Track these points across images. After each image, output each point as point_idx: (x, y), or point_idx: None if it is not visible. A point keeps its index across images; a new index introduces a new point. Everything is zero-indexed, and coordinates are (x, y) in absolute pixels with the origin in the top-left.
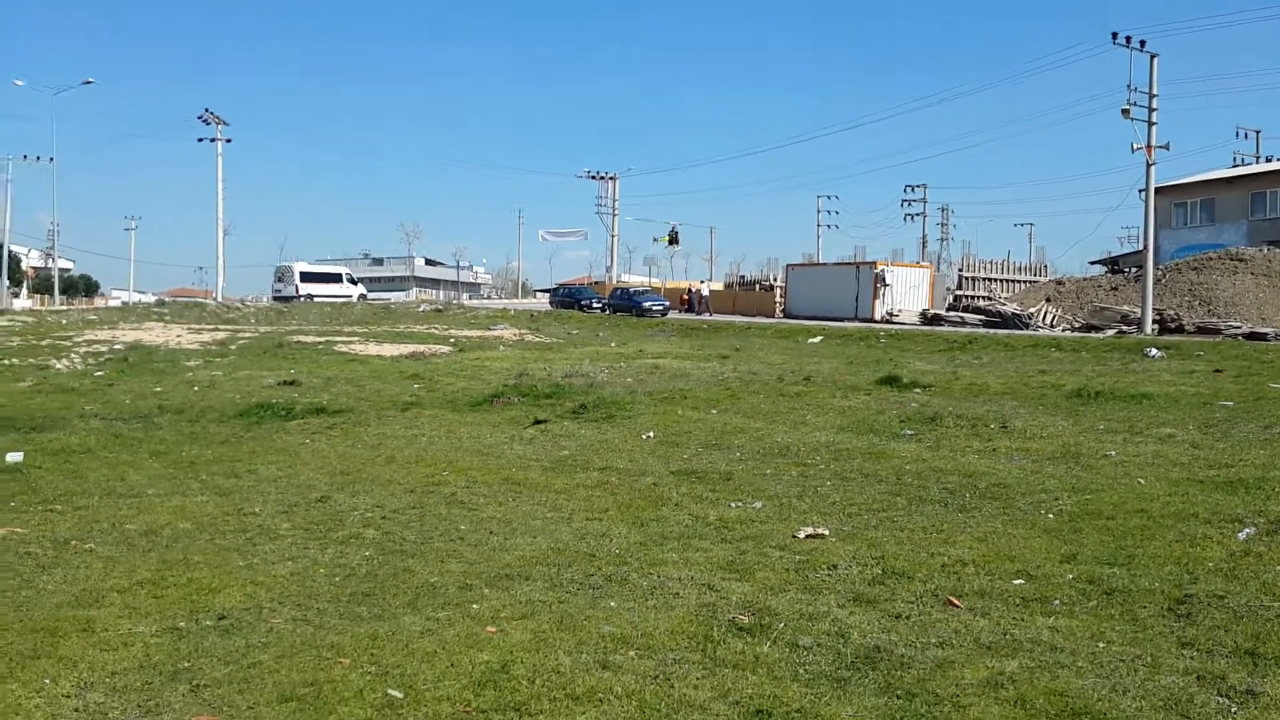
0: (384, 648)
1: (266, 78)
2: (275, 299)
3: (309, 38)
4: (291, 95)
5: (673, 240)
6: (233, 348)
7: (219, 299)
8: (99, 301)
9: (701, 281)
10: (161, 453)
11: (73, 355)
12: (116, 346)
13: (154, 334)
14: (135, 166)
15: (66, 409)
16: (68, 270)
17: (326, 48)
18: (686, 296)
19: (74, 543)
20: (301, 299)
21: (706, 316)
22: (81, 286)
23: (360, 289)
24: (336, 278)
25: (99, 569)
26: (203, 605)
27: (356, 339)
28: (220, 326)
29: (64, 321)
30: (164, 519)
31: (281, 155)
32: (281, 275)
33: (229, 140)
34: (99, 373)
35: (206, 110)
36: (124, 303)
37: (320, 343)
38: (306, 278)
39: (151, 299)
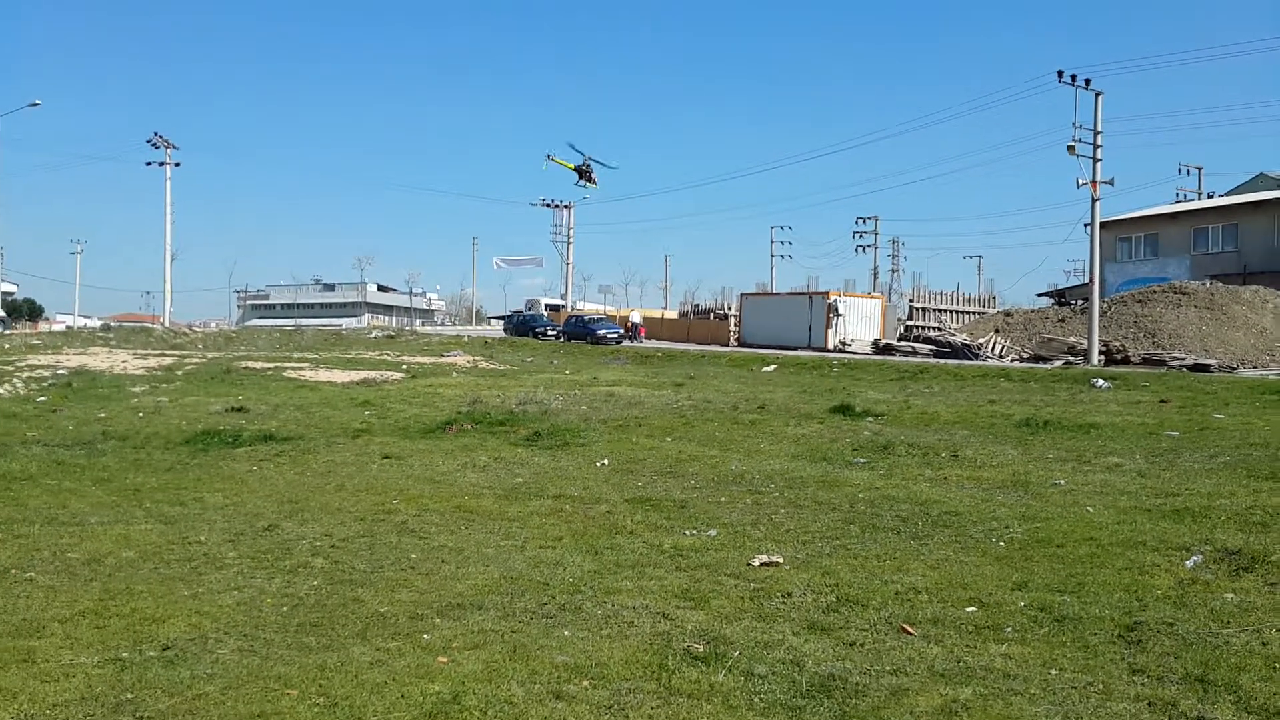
0: (333, 679)
1: (218, 101)
2: None
3: (262, 61)
4: (243, 119)
5: (583, 174)
6: (179, 373)
7: (166, 324)
8: (43, 326)
9: (633, 309)
10: (105, 480)
11: (15, 380)
12: (60, 372)
13: (99, 359)
14: (82, 189)
15: (8, 435)
16: (11, 294)
17: (280, 72)
18: (629, 325)
19: (14, 571)
20: None
21: (638, 343)
22: (25, 310)
23: None
24: None
25: (40, 598)
26: (146, 635)
27: (306, 365)
28: (167, 352)
29: (6, 346)
30: (107, 547)
31: (232, 179)
32: None
33: (178, 164)
34: (42, 398)
35: (155, 134)
36: (69, 327)
37: (269, 369)
38: None
39: (97, 324)
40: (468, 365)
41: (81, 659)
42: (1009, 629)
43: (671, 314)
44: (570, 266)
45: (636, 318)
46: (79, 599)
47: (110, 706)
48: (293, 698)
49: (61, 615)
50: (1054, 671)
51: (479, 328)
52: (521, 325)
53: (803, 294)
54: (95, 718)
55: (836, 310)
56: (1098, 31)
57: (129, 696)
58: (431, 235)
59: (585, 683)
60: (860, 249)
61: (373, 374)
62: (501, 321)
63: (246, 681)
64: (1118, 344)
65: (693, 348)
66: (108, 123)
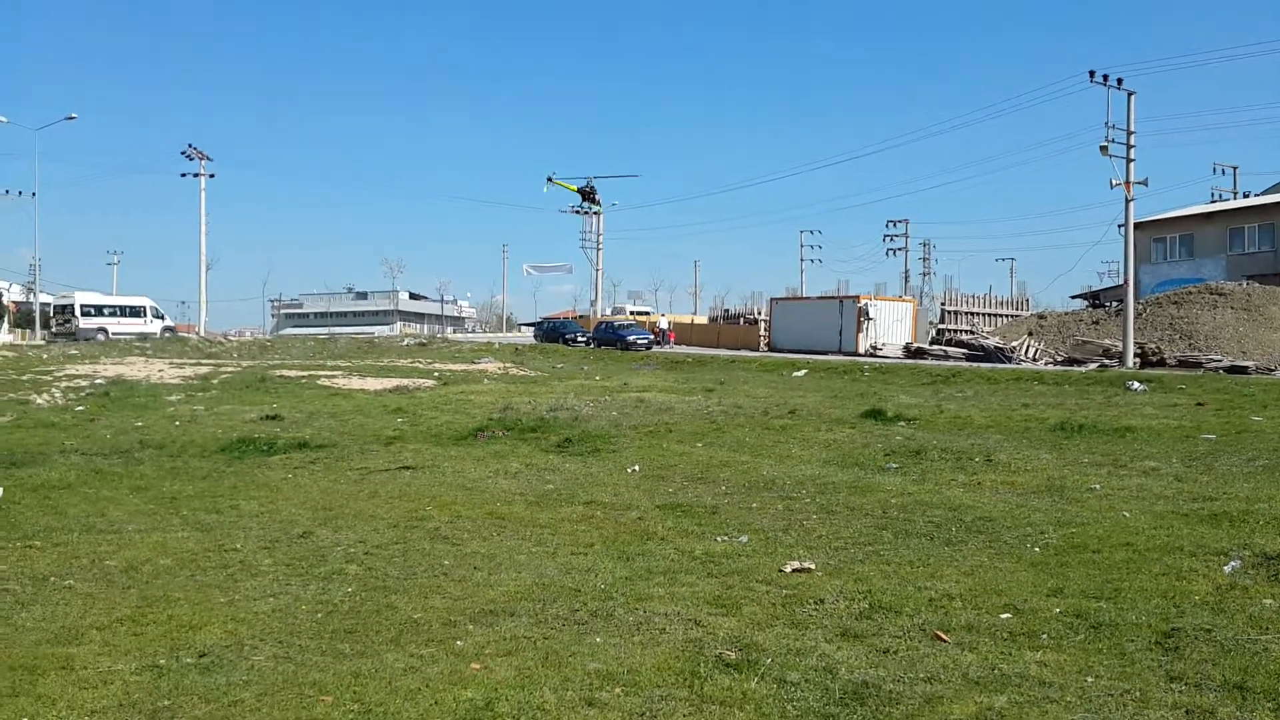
0: (367, 685)
1: (251, 112)
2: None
3: (293, 72)
4: (276, 129)
5: (586, 196)
6: (215, 382)
7: (202, 333)
8: None
9: (661, 314)
10: (142, 488)
11: (53, 390)
12: (98, 381)
13: (136, 369)
14: (118, 201)
15: (46, 444)
16: (49, 304)
17: (311, 82)
18: (656, 329)
19: (53, 579)
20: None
21: (668, 348)
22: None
23: (166, 321)
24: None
25: (78, 606)
26: (183, 642)
27: (340, 373)
28: (203, 361)
29: (45, 356)
30: (144, 555)
31: (265, 189)
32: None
33: (212, 175)
34: (80, 408)
35: (190, 146)
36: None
37: (303, 377)
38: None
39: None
40: (499, 372)
41: (119, 666)
42: (1044, 635)
43: (701, 319)
44: (600, 273)
45: (663, 323)
46: (117, 606)
47: (147, 713)
48: (327, 704)
49: (100, 622)
50: (1090, 679)
51: (509, 334)
52: (551, 332)
53: (833, 298)
54: None
55: (867, 314)
56: (1129, 31)
57: (166, 703)
58: (462, 243)
59: (617, 689)
60: (891, 252)
61: (405, 381)
62: (532, 328)
63: (282, 688)
64: (1153, 346)
65: (722, 353)
66: (143, 135)
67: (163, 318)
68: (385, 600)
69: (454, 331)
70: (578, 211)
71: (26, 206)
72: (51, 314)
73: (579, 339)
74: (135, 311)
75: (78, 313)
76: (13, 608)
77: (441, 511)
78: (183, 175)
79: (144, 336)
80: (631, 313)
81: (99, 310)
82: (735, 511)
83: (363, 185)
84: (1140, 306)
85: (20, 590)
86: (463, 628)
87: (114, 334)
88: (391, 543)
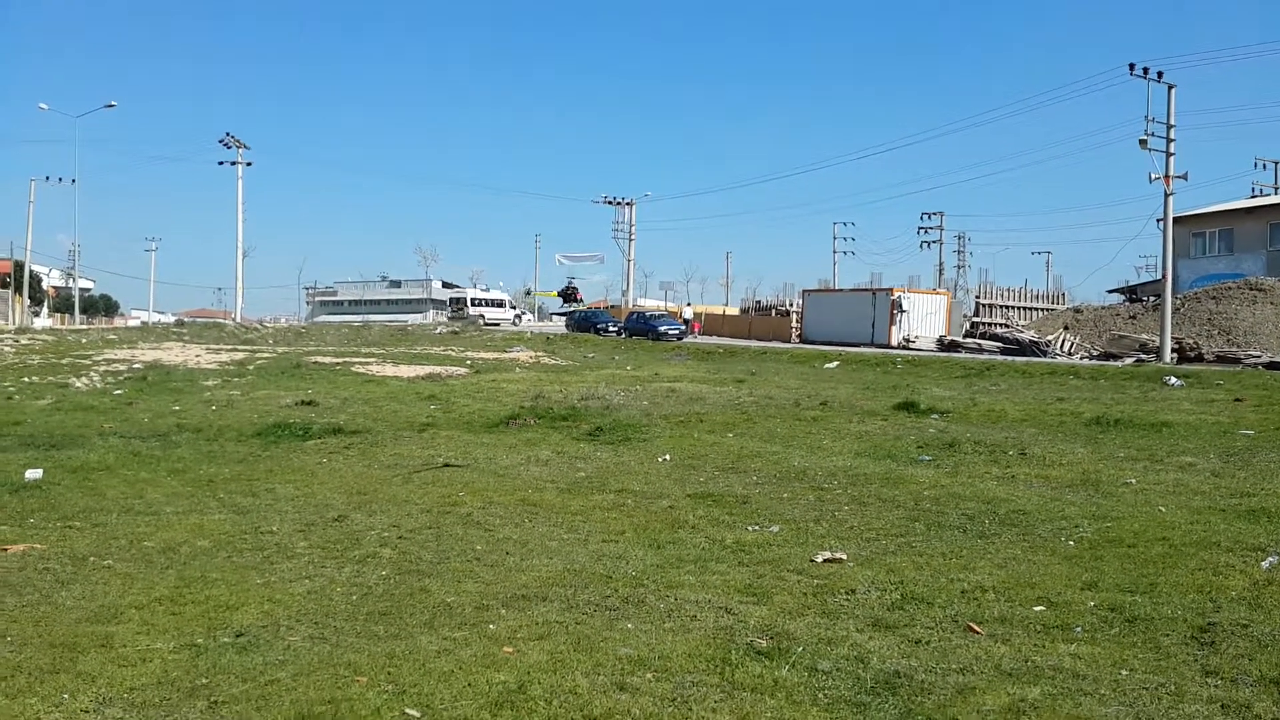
0: (401, 667)
1: (286, 101)
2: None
3: (328, 61)
4: (311, 118)
5: (567, 298)
6: (250, 368)
7: (238, 319)
8: (118, 321)
9: (687, 304)
10: (179, 471)
11: (92, 374)
12: (135, 366)
13: (173, 354)
14: (156, 188)
15: (85, 427)
16: (88, 290)
17: (346, 71)
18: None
19: (93, 559)
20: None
21: (698, 339)
22: (101, 306)
23: (516, 310)
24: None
25: (117, 585)
26: (220, 622)
27: (374, 360)
28: (238, 347)
29: (84, 341)
30: (182, 536)
31: (301, 177)
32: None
33: (249, 163)
34: (118, 391)
35: (227, 134)
36: (143, 323)
37: (338, 364)
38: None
39: (170, 319)
40: (530, 361)
41: (158, 644)
42: (1078, 629)
43: (733, 310)
44: (631, 263)
45: (688, 313)
46: (155, 586)
47: (185, 691)
48: (362, 685)
49: (138, 601)
50: (1125, 672)
51: (541, 324)
52: (583, 321)
53: (866, 290)
54: (171, 701)
55: (900, 307)
56: (1169, 24)
57: (204, 681)
58: (495, 232)
59: (649, 675)
60: (925, 245)
61: (438, 369)
62: (563, 318)
63: (317, 668)
64: (1191, 341)
65: (754, 344)
66: (181, 123)
67: (515, 308)
68: (419, 584)
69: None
70: (610, 202)
71: (67, 193)
72: (449, 305)
73: (610, 329)
74: (499, 304)
75: (469, 305)
76: (53, 586)
77: (474, 498)
78: (220, 163)
79: (506, 321)
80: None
81: (477, 303)
82: (766, 501)
83: (398, 175)
84: (1178, 301)
85: (60, 569)
86: (495, 612)
87: (488, 320)
88: (425, 527)
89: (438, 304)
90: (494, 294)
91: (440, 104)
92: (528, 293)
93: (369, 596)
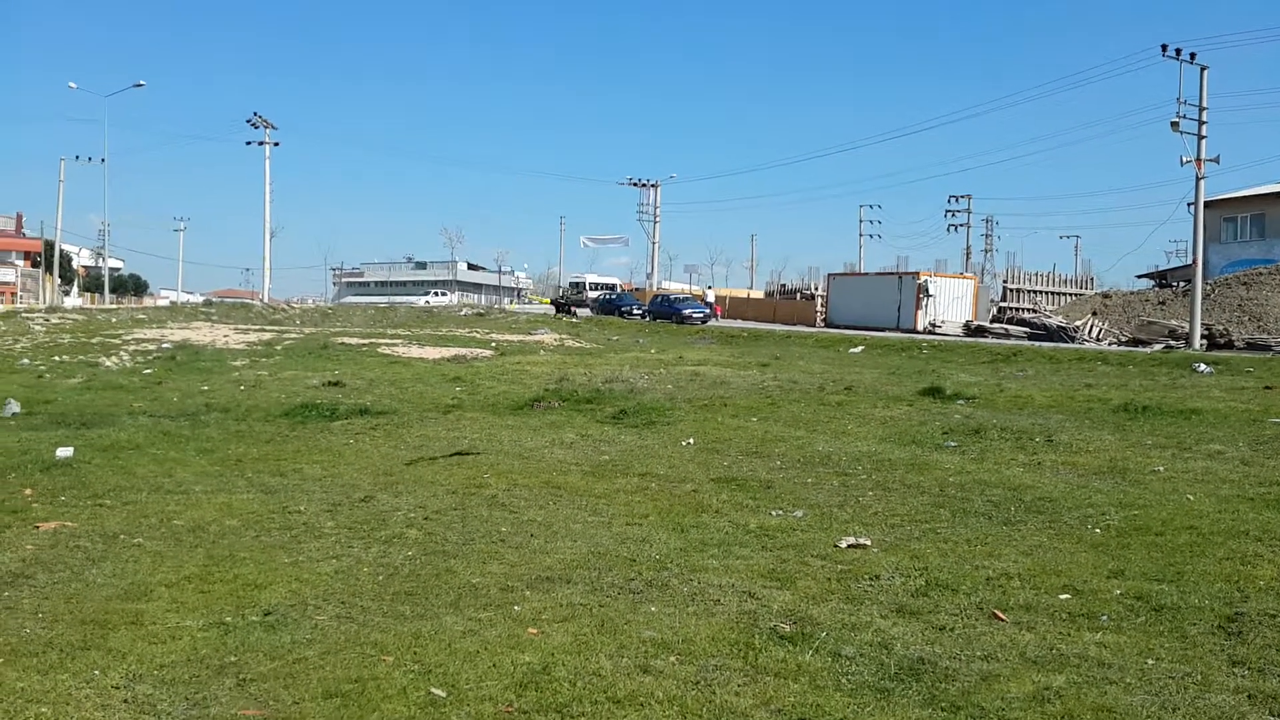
0: (427, 647)
1: (313, 81)
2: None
3: (355, 42)
4: (337, 99)
5: (561, 308)
6: (278, 348)
7: (265, 300)
8: (148, 301)
9: (708, 288)
10: (208, 450)
11: (122, 353)
12: (165, 345)
13: (201, 333)
14: (184, 168)
15: (115, 406)
16: (117, 269)
17: (372, 53)
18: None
19: (123, 537)
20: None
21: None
22: (131, 286)
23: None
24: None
25: (147, 563)
26: (249, 601)
27: (399, 341)
28: (266, 327)
29: (114, 320)
30: (211, 515)
31: (328, 158)
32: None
33: (276, 144)
34: (147, 371)
35: (255, 114)
36: (172, 302)
37: (364, 345)
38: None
39: (199, 299)
40: (555, 343)
41: (187, 622)
42: (1104, 617)
43: (757, 294)
44: (656, 246)
45: (710, 296)
46: (184, 564)
47: (214, 668)
48: (388, 664)
49: (168, 580)
50: (1151, 661)
51: None
52: (607, 304)
53: (892, 274)
54: (200, 679)
55: (927, 291)
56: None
57: (232, 659)
58: (520, 214)
59: (672, 658)
60: (952, 228)
61: (463, 351)
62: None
63: (344, 647)
64: (1220, 328)
65: (778, 328)
66: (209, 103)
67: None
68: (444, 564)
69: (511, 302)
70: (635, 184)
71: (96, 172)
72: (569, 288)
73: (635, 312)
74: (610, 288)
75: (587, 289)
76: (84, 564)
77: (499, 479)
78: (248, 143)
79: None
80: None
81: (593, 286)
82: (790, 486)
83: (424, 156)
84: (1209, 287)
85: (91, 547)
86: (520, 593)
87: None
88: (450, 508)
89: (463, 285)
90: (607, 279)
91: (467, 85)
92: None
93: (395, 577)
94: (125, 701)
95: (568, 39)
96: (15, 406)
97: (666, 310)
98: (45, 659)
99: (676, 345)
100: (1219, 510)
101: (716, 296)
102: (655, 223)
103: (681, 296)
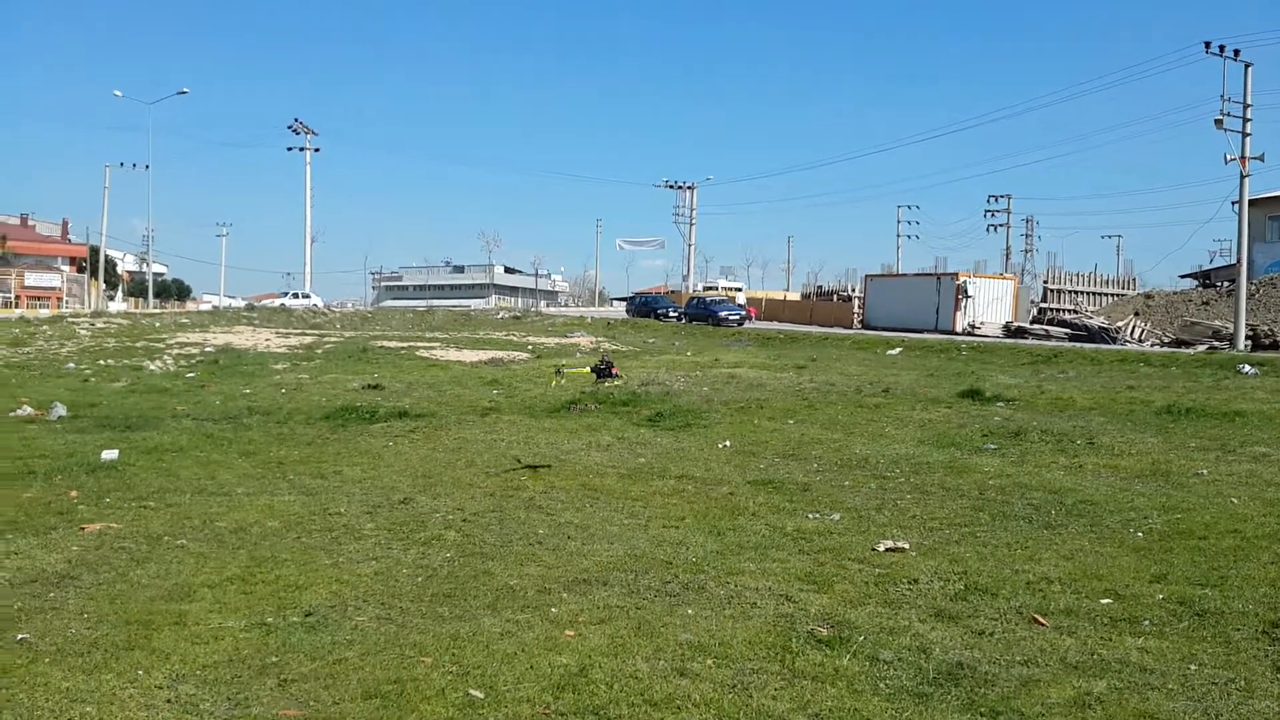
0: (465, 648)
1: (353, 87)
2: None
3: (396, 49)
4: (377, 105)
5: (601, 374)
6: (319, 352)
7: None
8: (191, 305)
9: (738, 289)
10: (250, 453)
11: (165, 357)
12: (207, 349)
13: (243, 337)
14: (227, 174)
15: (159, 409)
16: (161, 274)
17: (413, 59)
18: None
19: (166, 539)
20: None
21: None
22: (174, 290)
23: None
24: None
25: (190, 565)
26: (290, 602)
27: (437, 345)
28: (307, 331)
29: (157, 324)
30: (253, 517)
31: (367, 164)
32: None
33: (317, 149)
34: (190, 374)
35: (296, 120)
36: (215, 307)
37: (403, 348)
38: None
39: (241, 304)
40: (591, 346)
41: (229, 623)
42: (1146, 622)
43: (794, 295)
44: (692, 248)
45: (741, 299)
46: (227, 566)
47: (256, 669)
48: (427, 665)
49: (211, 581)
50: (1193, 667)
51: (601, 309)
52: (643, 307)
53: (930, 275)
54: (242, 679)
55: (966, 292)
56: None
57: (274, 659)
58: (556, 217)
59: (709, 661)
60: (992, 229)
61: (500, 354)
62: (624, 303)
63: (384, 648)
64: (1266, 328)
65: (815, 330)
66: (250, 110)
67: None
68: (483, 566)
69: (547, 305)
70: (671, 186)
71: (140, 178)
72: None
73: (670, 314)
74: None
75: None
76: (129, 565)
77: (536, 482)
78: (289, 149)
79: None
80: (724, 289)
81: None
82: (827, 489)
83: (462, 161)
84: (1254, 287)
85: (135, 548)
86: (557, 595)
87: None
88: (488, 511)
89: (500, 289)
90: (733, 285)
91: (506, 91)
92: (557, 371)
93: (434, 578)
94: (168, 701)
95: (606, 43)
96: (61, 410)
97: (702, 312)
98: (90, 659)
99: (712, 348)
100: (1264, 514)
101: (748, 299)
102: (691, 225)
103: (718, 299)
